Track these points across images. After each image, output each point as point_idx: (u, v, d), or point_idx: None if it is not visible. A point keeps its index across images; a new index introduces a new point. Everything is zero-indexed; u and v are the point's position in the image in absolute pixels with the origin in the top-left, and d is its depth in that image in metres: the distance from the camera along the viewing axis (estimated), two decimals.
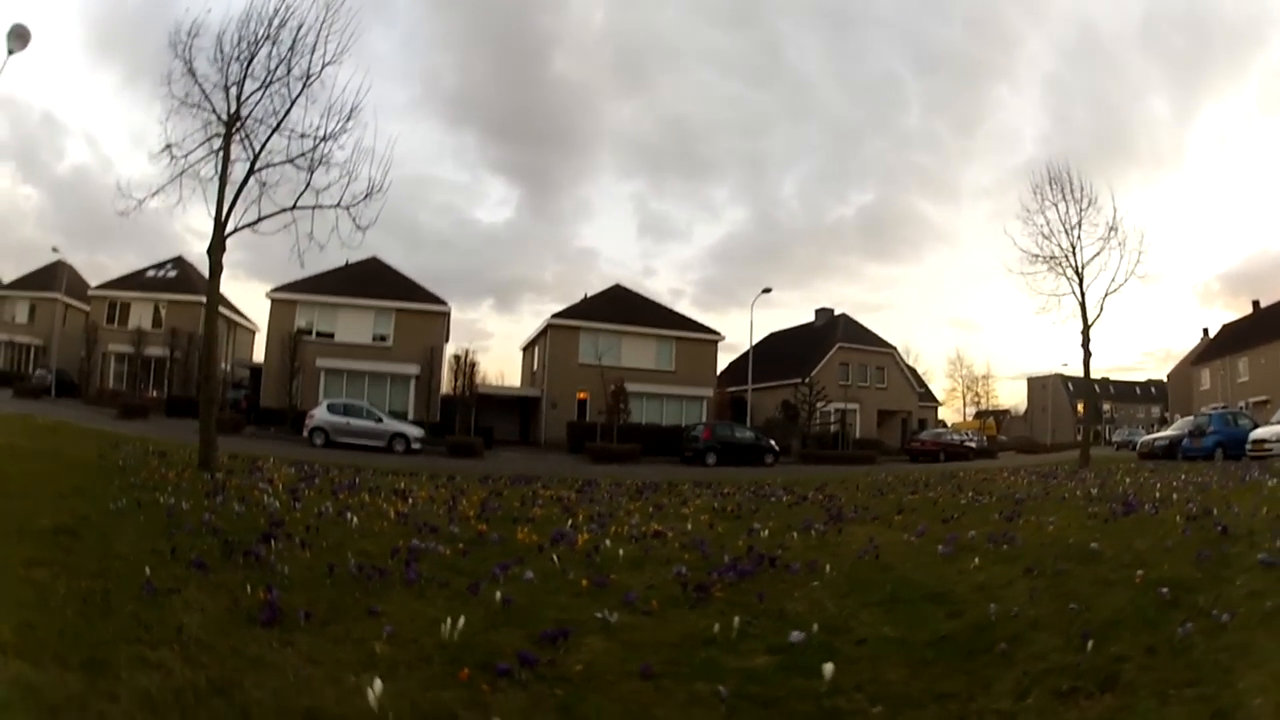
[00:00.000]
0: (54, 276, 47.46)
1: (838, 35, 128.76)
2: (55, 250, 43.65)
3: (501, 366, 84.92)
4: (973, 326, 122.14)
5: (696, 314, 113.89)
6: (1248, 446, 20.05)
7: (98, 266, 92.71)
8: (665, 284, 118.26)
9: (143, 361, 39.85)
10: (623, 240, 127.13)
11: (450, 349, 39.38)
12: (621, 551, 5.72)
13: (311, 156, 11.14)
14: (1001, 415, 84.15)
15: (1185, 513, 7.49)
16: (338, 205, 10.97)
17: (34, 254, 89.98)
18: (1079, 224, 23.91)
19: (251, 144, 11.42)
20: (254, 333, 51.24)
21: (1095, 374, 32.80)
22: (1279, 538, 5.17)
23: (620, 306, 41.87)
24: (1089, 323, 23.49)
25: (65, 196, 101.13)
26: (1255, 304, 56.93)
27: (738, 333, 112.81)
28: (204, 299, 41.03)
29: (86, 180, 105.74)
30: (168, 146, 11.42)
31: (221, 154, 11.57)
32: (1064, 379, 79.84)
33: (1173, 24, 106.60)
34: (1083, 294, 23.49)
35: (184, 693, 2.53)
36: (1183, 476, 12.89)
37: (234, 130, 11.54)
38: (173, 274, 44.81)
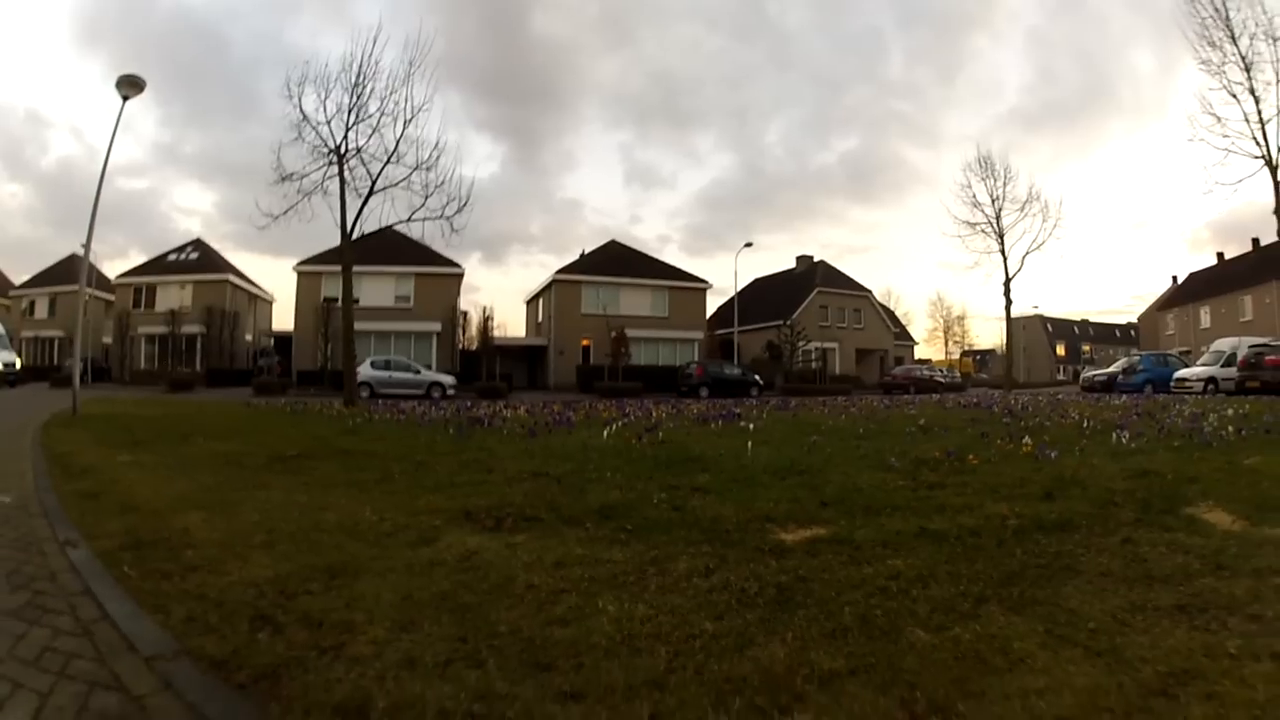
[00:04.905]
0: (71, 270, 49.89)
1: None
2: (84, 246, 47.07)
3: (498, 318, 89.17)
4: (957, 268, 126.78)
5: (684, 259, 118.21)
6: (1172, 384, 23.47)
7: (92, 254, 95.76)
8: (653, 231, 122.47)
9: (174, 340, 42.89)
10: (609, 190, 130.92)
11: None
12: (665, 415, 10.86)
13: (425, 181, 15.84)
14: (986, 354, 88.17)
15: (1008, 408, 12.52)
16: (441, 216, 15.74)
17: (28, 250, 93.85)
18: (1001, 195, 31.02)
19: (368, 171, 16.09)
20: (271, 303, 55.15)
21: (1076, 316, 42.45)
22: (1048, 420, 9.98)
23: (617, 260, 46.56)
24: (1010, 276, 30.76)
25: (52, 189, 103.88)
26: (1220, 255, 60.74)
27: (724, 276, 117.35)
28: (227, 276, 45.20)
29: (72, 171, 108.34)
30: (289, 175, 16.04)
31: (338, 178, 16.21)
32: (1043, 320, 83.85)
33: None
34: (1004, 253, 30.55)
35: (519, 448, 7.34)
36: (1059, 396, 17.96)
37: (344, 159, 16.16)
38: (194, 256, 48.34)
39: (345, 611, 2.90)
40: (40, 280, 53.42)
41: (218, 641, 2.67)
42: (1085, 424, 9.27)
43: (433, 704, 2.11)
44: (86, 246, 14.32)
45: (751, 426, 8.85)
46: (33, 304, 52.50)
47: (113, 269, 51.26)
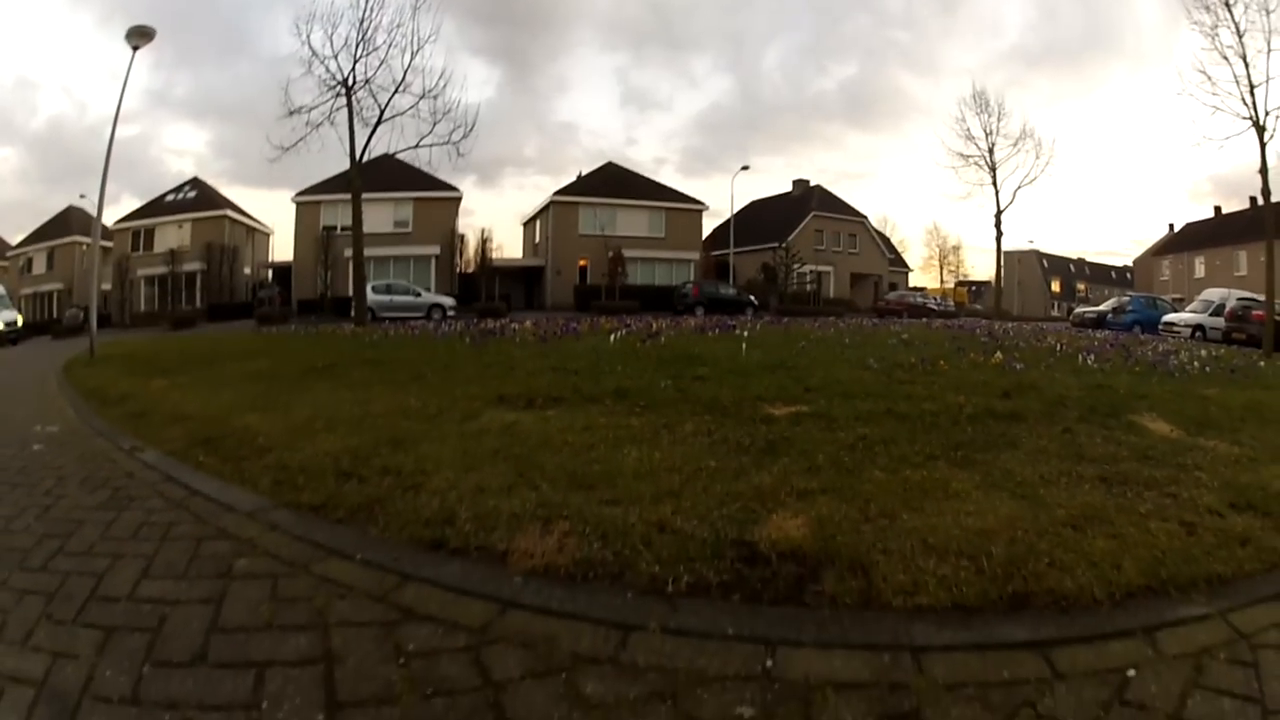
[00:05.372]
0: (67, 223, 49.89)
1: None
2: (83, 196, 46.25)
3: (494, 240, 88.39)
4: (953, 198, 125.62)
5: (680, 180, 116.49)
6: (1159, 327, 23.46)
7: (87, 204, 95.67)
8: (649, 153, 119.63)
9: (174, 279, 43.16)
10: (604, 112, 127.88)
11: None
12: (664, 326, 11.54)
13: (433, 108, 16.14)
14: (981, 286, 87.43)
15: (990, 332, 13.18)
16: (447, 142, 16.10)
17: (19, 210, 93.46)
18: (994, 131, 31.67)
19: (376, 101, 16.39)
20: (269, 235, 54.66)
21: (1073, 255, 45.26)
22: (1023, 342, 10.64)
23: (614, 181, 46.45)
24: (1001, 208, 31.71)
25: (42, 148, 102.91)
26: (1217, 209, 59.83)
27: (720, 197, 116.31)
28: (225, 212, 45.07)
29: (62, 128, 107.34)
30: (298, 108, 16.38)
31: (346, 109, 16.50)
32: (1039, 255, 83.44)
33: None
34: (996, 186, 31.40)
35: (534, 351, 8.03)
36: (1043, 327, 18.66)
37: (352, 90, 16.42)
38: (192, 194, 47.64)
39: (416, 465, 3.57)
40: (37, 236, 52.54)
41: (310, 494, 3.25)
42: (1058, 348, 9.83)
43: (505, 511, 2.80)
44: (100, 199, 14.35)
45: (745, 334, 9.57)
46: (30, 261, 51.76)
47: (107, 216, 50.59)
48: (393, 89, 16.51)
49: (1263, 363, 10.29)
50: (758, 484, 3.04)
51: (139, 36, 14.16)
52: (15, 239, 55.58)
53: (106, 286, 45.24)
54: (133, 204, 52.21)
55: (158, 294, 43.71)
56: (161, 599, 2.33)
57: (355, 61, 16.35)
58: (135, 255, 44.89)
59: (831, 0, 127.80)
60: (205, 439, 4.52)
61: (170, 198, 47.97)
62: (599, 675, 1.75)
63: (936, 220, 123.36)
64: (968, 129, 33.74)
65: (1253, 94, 14.76)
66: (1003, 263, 37.23)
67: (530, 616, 2.06)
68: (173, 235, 44.90)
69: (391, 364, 7.84)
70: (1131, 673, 1.77)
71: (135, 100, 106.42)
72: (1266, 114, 14.64)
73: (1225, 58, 15.03)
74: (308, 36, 16.34)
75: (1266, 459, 3.81)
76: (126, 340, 19.61)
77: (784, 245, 44.72)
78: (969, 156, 33.28)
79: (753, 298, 36.08)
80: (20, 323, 31.69)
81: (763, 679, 1.74)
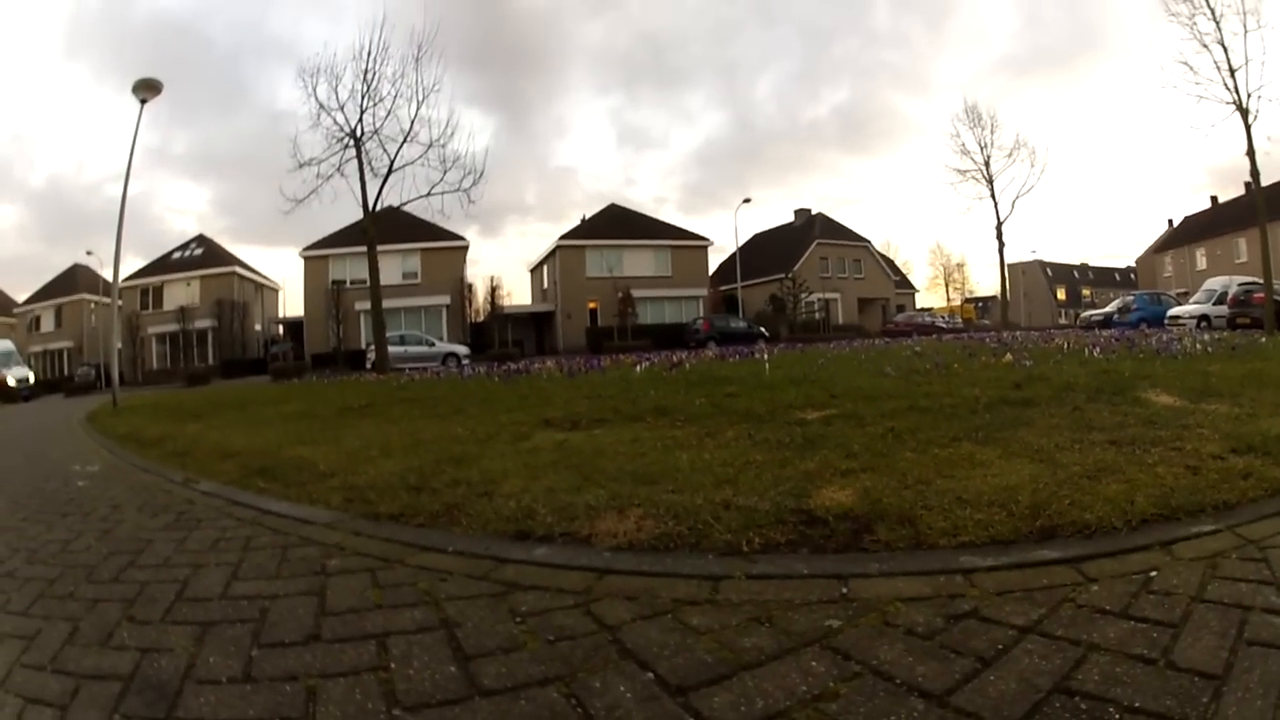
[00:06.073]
0: (73, 281, 51.65)
1: None
2: (89, 254, 48.06)
3: (503, 286, 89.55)
4: (953, 215, 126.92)
5: (681, 217, 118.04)
6: (1165, 321, 24.08)
7: (92, 261, 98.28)
8: (648, 192, 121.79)
9: (185, 336, 44.15)
10: (602, 154, 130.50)
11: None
12: (684, 357, 11.89)
13: (442, 156, 16.77)
14: (988, 301, 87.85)
15: (999, 339, 13.54)
16: (458, 189, 16.69)
17: (21, 266, 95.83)
18: (989, 143, 32.69)
19: (386, 151, 17.02)
20: (278, 291, 55.65)
21: (1075, 260, 45.66)
22: (1026, 345, 10.98)
23: (618, 222, 47.45)
24: (1001, 220, 32.51)
25: (40, 205, 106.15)
26: (1213, 199, 61.15)
27: (722, 232, 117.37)
28: (234, 268, 46.12)
29: (60, 185, 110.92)
30: (309, 160, 17.03)
31: (355, 160, 17.14)
32: (1042, 265, 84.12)
33: None
34: (994, 198, 32.24)
35: (565, 384, 8.37)
36: (1052, 332, 19.01)
37: (361, 141, 17.08)
38: (198, 251, 49.18)
39: (483, 476, 3.86)
40: (43, 294, 53.86)
41: (386, 505, 3.46)
42: (1065, 347, 10.17)
43: (581, 504, 3.11)
44: (116, 257, 15.02)
45: (766, 357, 9.96)
46: (38, 319, 52.94)
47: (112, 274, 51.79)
48: (401, 139, 17.17)
49: (1265, 339, 10.56)
50: (804, 469, 3.36)
51: (146, 90, 14.36)
52: (19, 295, 56.96)
53: (118, 345, 45.95)
54: (136, 261, 53.62)
55: (169, 351, 44.91)
56: (258, 595, 2.43)
57: (362, 112, 17.10)
58: (145, 313, 46.01)
59: (819, 25, 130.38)
60: (260, 469, 4.67)
61: (177, 255, 49.39)
62: (701, 612, 2.05)
63: (939, 239, 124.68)
64: (962, 144, 34.78)
65: (1233, 78, 15.24)
66: (1007, 274, 37.63)
67: (626, 578, 2.35)
68: (181, 293, 46.13)
69: (428, 401, 8.19)
70: (1154, 573, 2.08)
71: (135, 157, 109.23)
72: (1248, 96, 15.08)
73: (1205, 45, 15.58)
74: (314, 89, 17.06)
75: (1265, 414, 4.13)
76: (144, 395, 19.95)
77: (790, 275, 45.36)
78: (966, 171, 34.28)
79: (763, 329, 36.53)
80: (32, 379, 32.29)
81: (841, 601, 2.04)
